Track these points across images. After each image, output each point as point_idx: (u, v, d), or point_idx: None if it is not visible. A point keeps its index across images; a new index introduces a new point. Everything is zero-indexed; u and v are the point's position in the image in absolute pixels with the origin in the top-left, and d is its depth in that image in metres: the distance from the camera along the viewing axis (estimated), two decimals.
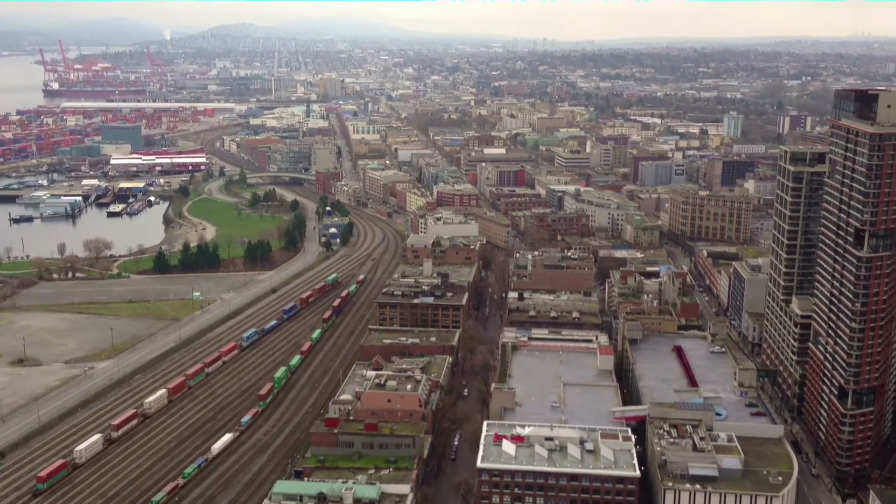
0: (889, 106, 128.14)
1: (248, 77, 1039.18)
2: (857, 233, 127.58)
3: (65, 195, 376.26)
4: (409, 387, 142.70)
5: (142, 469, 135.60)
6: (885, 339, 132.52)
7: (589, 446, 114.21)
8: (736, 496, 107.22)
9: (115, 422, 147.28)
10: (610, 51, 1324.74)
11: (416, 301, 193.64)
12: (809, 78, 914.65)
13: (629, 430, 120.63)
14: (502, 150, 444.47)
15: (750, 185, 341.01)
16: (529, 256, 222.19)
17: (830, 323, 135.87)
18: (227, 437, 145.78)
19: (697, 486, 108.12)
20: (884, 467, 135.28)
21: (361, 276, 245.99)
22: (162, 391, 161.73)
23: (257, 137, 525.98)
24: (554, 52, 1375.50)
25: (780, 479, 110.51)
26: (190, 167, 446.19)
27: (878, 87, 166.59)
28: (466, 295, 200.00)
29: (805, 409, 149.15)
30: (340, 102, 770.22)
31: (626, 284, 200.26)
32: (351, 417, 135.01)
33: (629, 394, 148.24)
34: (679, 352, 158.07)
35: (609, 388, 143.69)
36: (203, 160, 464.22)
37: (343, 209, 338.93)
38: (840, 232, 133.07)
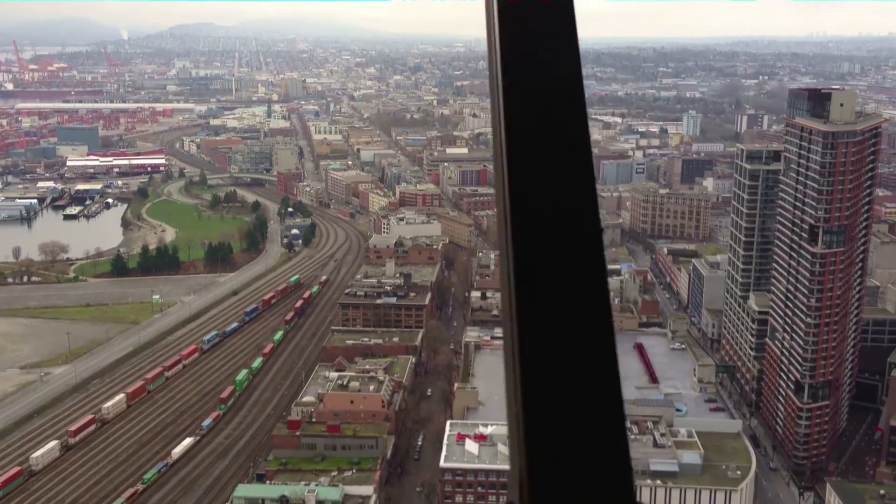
0: (842, 104, 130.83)
1: (208, 77, 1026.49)
2: (811, 229, 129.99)
3: (19, 198, 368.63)
4: (371, 387, 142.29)
5: (100, 475, 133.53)
6: (840, 334, 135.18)
7: None
8: (696, 491, 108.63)
9: (73, 428, 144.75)
10: None
11: (378, 301, 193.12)
12: (766, 77, 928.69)
13: None
14: (465, 150, 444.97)
15: (709, 183, 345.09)
16: (492, 255, 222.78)
17: (786, 318, 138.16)
18: (188, 441, 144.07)
19: (658, 481, 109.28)
20: (840, 460, 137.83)
21: (324, 277, 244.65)
22: (120, 396, 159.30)
23: (218, 138, 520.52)
24: None
25: (738, 473, 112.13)
26: (149, 169, 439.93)
27: (833, 86, 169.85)
28: (429, 295, 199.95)
29: (763, 403, 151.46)
30: (302, 103, 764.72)
31: None
32: (313, 419, 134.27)
33: None
34: (640, 349, 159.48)
35: None
36: (162, 161, 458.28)
37: (305, 210, 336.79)
38: (795, 229, 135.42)
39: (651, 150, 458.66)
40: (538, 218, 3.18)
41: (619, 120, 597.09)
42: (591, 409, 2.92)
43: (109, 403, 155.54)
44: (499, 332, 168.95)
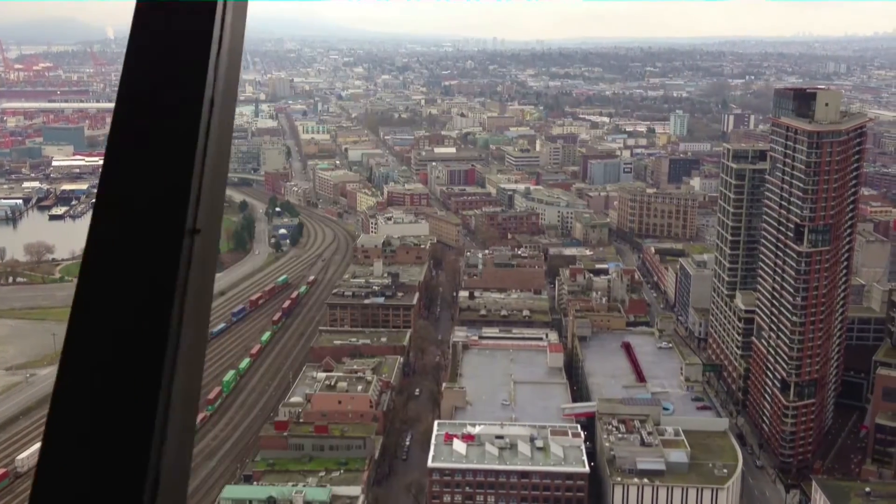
0: (826, 104, 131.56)
1: None
2: (797, 228, 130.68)
3: (5, 198, 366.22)
4: (359, 388, 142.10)
5: None
6: (825, 332, 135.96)
7: (539, 443, 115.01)
8: (682, 489, 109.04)
9: None
10: (559, 50, 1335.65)
11: (366, 301, 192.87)
12: (753, 77, 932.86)
13: (578, 426, 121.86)
14: (453, 150, 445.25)
15: (696, 182, 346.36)
16: (480, 255, 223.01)
17: (772, 317, 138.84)
18: None
19: (645, 480, 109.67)
20: (825, 458, 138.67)
21: (312, 277, 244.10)
22: None
23: None
24: (504, 52, 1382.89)
25: (725, 471, 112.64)
26: None
27: (818, 86, 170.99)
28: (417, 295, 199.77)
29: (749, 401, 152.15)
30: (290, 102, 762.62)
31: (576, 282, 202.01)
32: (301, 420, 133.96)
33: (579, 391, 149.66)
34: (627, 348, 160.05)
35: (559, 386, 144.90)
36: None
37: (293, 210, 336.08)
38: (781, 228, 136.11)
39: (638, 150, 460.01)
40: (117, 219, 3.37)
41: (606, 119, 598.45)
42: (116, 425, 3.13)
43: None
44: (487, 331, 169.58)
